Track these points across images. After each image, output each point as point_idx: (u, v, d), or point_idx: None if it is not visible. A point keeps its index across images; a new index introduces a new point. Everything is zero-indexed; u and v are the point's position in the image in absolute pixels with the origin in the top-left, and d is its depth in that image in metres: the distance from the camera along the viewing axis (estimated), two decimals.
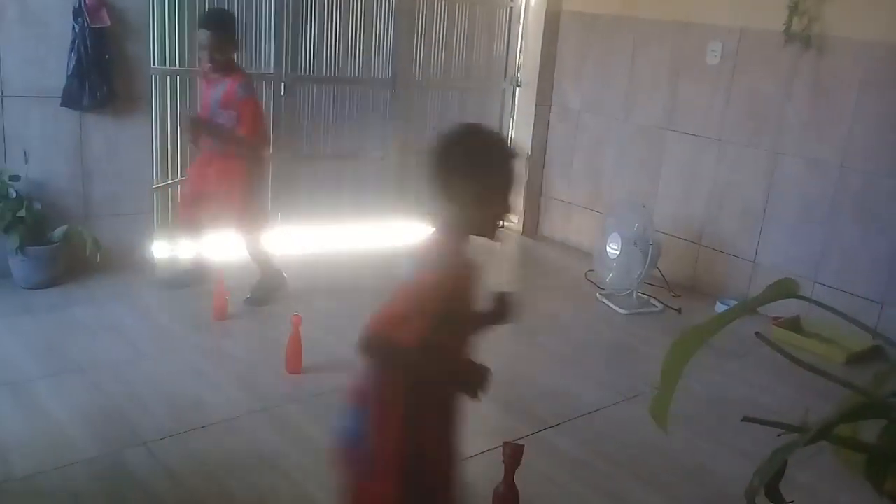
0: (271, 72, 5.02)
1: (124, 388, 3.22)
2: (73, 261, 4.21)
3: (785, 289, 1.31)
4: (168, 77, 4.66)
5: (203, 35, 3.85)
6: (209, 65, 3.90)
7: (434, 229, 1.91)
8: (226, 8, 4.69)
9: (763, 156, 4.66)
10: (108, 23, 4.10)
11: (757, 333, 1.67)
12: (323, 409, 3.20)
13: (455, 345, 1.98)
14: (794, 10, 4.35)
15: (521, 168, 1.66)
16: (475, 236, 1.87)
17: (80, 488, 2.57)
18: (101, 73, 4.11)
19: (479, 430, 3.30)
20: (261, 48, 4.98)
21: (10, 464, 2.65)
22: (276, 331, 3.69)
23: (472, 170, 1.77)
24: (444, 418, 2.00)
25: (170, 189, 4.83)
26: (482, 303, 2.02)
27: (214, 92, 3.94)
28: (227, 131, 3.92)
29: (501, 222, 1.88)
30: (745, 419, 1.39)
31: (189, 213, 4.22)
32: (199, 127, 4.01)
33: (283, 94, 5.08)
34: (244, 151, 3.97)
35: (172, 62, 4.65)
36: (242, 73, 4.06)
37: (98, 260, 4.17)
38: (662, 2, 5.04)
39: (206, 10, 4.45)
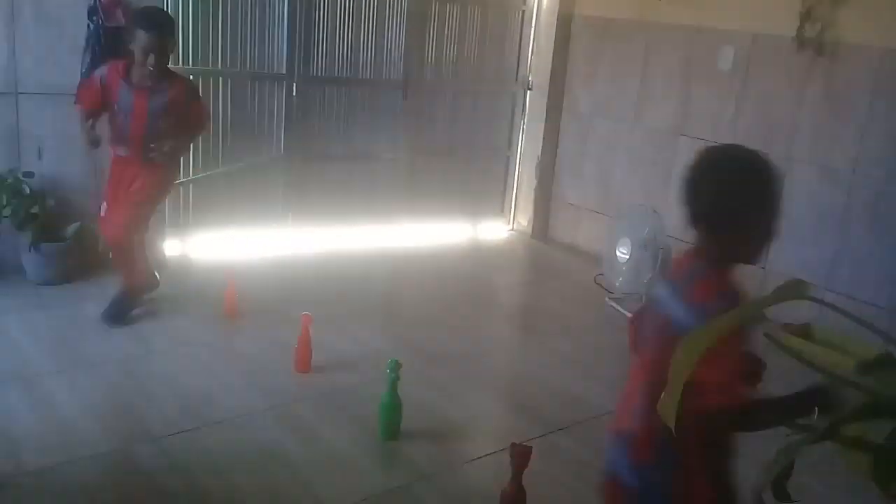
0: (283, 72, 5.04)
1: (135, 384, 3.24)
2: (85, 258, 4.24)
3: (795, 289, 1.31)
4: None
5: (145, 38, 3.48)
6: (150, 71, 3.54)
7: (694, 257, 1.79)
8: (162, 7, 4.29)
9: (774, 162, 4.64)
10: (123, 22, 4.12)
11: (765, 334, 1.67)
12: (331, 408, 3.22)
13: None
14: (806, 16, 4.34)
15: (783, 188, 1.65)
16: (740, 264, 1.77)
17: (90, 482, 2.59)
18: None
19: (487, 431, 3.31)
20: (273, 49, 5.00)
21: (22, 457, 2.68)
22: (286, 330, 3.71)
23: (742, 195, 1.70)
24: (732, 458, 1.90)
25: (181, 188, 4.86)
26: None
27: (154, 101, 3.62)
28: (182, 136, 3.82)
29: (766, 246, 1.77)
30: None
31: (121, 235, 3.76)
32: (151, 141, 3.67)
33: (294, 94, 5.10)
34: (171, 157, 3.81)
35: (186, 61, 4.67)
36: (185, 79, 3.86)
37: (110, 257, 4.19)
38: (675, 7, 5.04)
39: (144, 8, 3.86)
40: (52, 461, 2.67)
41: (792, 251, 4.61)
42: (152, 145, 3.64)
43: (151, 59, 3.49)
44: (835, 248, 4.43)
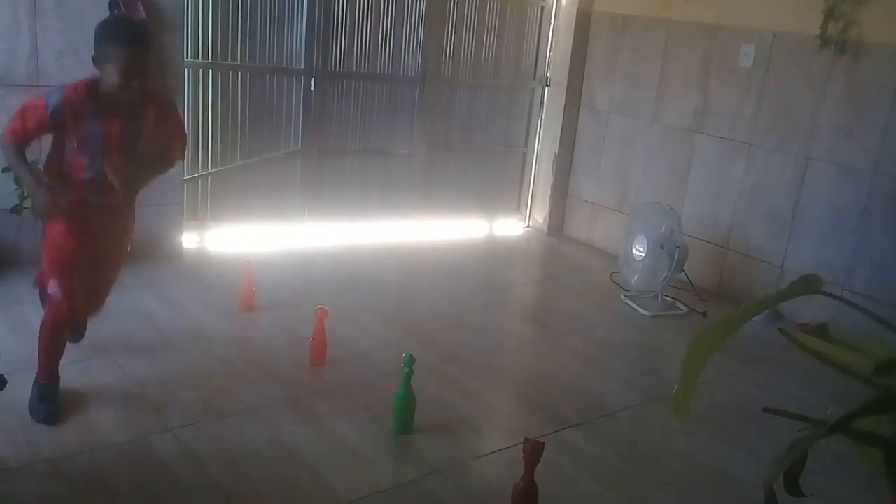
0: (301, 67, 5.06)
1: (152, 375, 3.27)
2: None
3: (810, 284, 1.31)
4: (200, 70, 4.72)
5: (122, 53, 2.71)
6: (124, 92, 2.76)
7: None
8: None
9: (794, 161, 4.62)
10: (144, 15, 4.16)
11: (780, 329, 1.66)
12: (345, 401, 3.23)
13: None
14: (829, 14, 4.30)
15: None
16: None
17: (106, 472, 2.61)
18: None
19: (500, 426, 3.32)
20: (291, 43, 5.02)
21: (39, 446, 2.71)
22: (302, 323, 3.73)
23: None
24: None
25: (199, 181, 4.89)
26: None
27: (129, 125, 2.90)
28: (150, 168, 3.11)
29: None
30: (766, 410, 1.39)
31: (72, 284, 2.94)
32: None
33: (312, 89, 5.11)
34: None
35: (205, 55, 4.70)
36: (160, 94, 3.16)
37: (128, 249, 4.22)
38: (695, 4, 5.00)
39: (113, 19, 3.44)
40: (68, 449, 2.70)
41: (810, 250, 4.58)
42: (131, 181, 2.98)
43: (128, 79, 2.72)
44: (853, 247, 4.39)
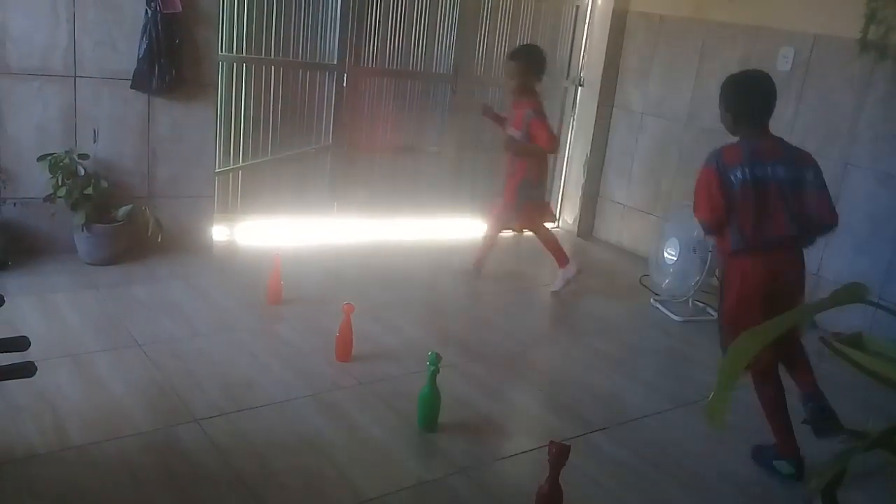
0: (335, 63, 5.06)
1: (179, 366, 3.29)
2: (136, 239, 4.31)
3: (854, 293, 1.26)
4: (235, 64, 4.74)
5: None
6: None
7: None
8: None
9: (831, 166, 4.52)
10: (180, 9, 4.18)
11: (821, 339, 1.62)
12: (371, 397, 3.22)
13: None
14: (871, 18, 4.21)
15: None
16: None
17: (132, 460, 2.63)
18: (170, 58, 4.20)
19: (525, 427, 3.29)
20: (325, 39, 5.03)
21: (68, 432, 2.73)
22: (328, 318, 3.72)
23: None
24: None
25: (230, 174, 4.92)
26: None
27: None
28: None
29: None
30: (805, 422, 1.35)
31: None
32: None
33: (344, 85, 5.12)
34: None
35: (240, 49, 4.72)
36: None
37: (159, 240, 4.27)
38: (734, 5, 4.93)
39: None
40: (96, 437, 2.72)
41: (846, 258, 4.49)
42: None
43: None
44: (891, 256, 4.29)
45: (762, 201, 2.91)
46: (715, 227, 3.00)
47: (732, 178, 2.94)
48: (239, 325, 3.76)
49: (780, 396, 2.98)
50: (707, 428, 3.23)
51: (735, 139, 3.10)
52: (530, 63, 4.45)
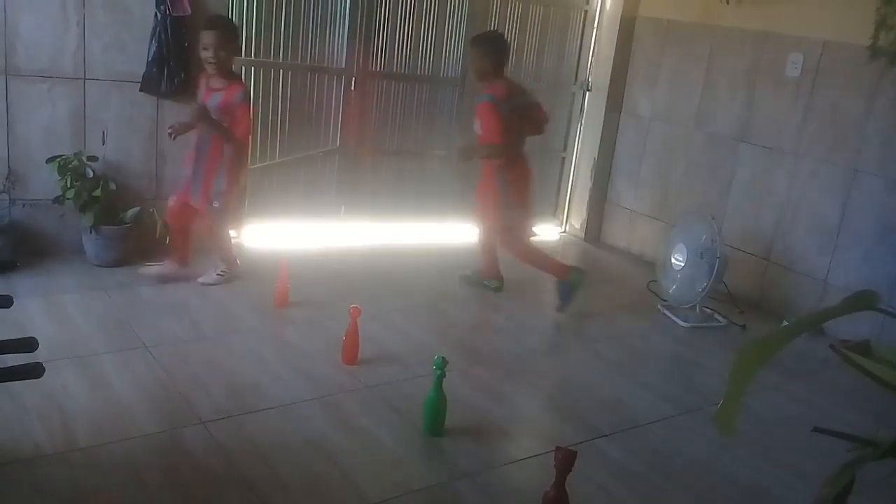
0: (342, 66, 5.07)
1: (186, 368, 3.29)
2: (143, 241, 4.32)
3: (865, 301, 1.25)
4: (243, 67, 4.75)
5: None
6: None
7: None
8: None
9: (840, 173, 4.51)
10: (189, 12, 4.20)
11: (832, 346, 1.61)
12: (376, 401, 3.22)
13: None
14: (881, 24, 4.19)
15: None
16: None
17: (138, 462, 2.63)
18: (179, 61, 4.21)
19: (531, 432, 3.28)
20: (333, 43, 5.04)
21: (74, 433, 2.73)
22: (335, 321, 3.72)
23: None
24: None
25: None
26: None
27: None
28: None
29: None
30: (816, 429, 1.34)
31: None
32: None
33: (352, 88, 5.12)
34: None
35: (248, 53, 4.73)
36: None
37: (167, 242, 4.27)
38: (743, 11, 4.92)
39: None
40: (102, 438, 2.72)
41: (854, 265, 4.47)
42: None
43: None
44: None
45: (519, 121, 4.24)
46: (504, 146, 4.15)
47: (503, 109, 4.15)
48: (245, 328, 3.77)
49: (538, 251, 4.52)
50: (715, 434, 3.22)
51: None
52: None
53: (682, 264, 4.53)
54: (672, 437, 3.26)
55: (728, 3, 4.91)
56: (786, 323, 4.52)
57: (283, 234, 5.09)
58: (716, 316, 4.63)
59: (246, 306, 4.00)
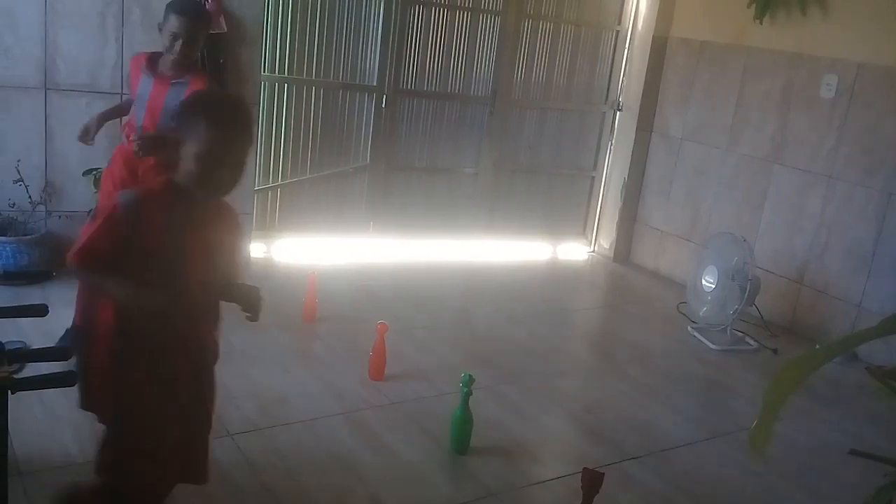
0: (374, 84, 5.11)
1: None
2: None
3: None
4: (276, 84, 4.81)
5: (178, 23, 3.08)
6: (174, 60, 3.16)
7: None
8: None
9: (875, 196, 4.44)
10: (225, 29, 4.26)
11: (868, 369, 1.58)
12: (403, 418, 3.21)
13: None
14: None
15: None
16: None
17: None
18: (214, 77, 4.26)
19: (558, 453, 3.25)
20: (365, 60, 5.08)
21: None
22: (362, 337, 3.73)
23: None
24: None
25: (269, 192, 4.97)
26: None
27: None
28: None
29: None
30: (853, 452, 1.31)
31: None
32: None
33: (383, 106, 5.16)
34: None
35: (282, 70, 4.79)
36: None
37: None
38: (776, 32, 4.89)
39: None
40: None
41: (889, 290, 4.39)
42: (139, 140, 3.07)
43: (178, 46, 3.09)
44: None
45: None
46: None
47: None
48: (274, 342, 3.78)
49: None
50: (744, 459, 3.17)
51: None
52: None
53: (713, 286, 4.48)
54: (701, 461, 3.21)
55: (762, 23, 4.88)
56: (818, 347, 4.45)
57: (312, 250, 5.12)
58: (747, 339, 4.56)
59: (275, 320, 4.01)
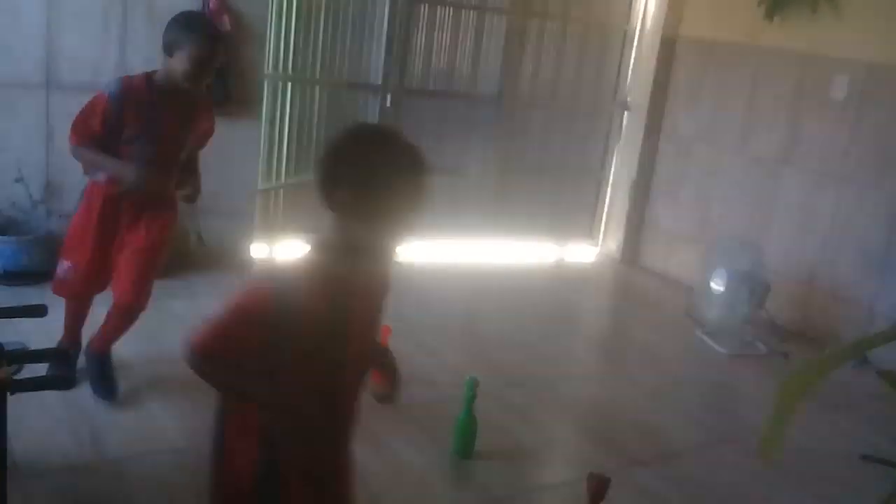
0: (378, 83, 5.07)
1: None
2: (175, 255, 4.32)
3: None
4: (280, 83, 4.77)
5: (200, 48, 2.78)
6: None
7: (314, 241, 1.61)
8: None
9: (887, 198, 4.38)
10: (229, 27, 4.23)
11: (880, 373, 1.53)
12: (406, 421, 3.16)
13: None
14: None
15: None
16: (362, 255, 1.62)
17: (165, 476, 2.61)
18: (217, 75, 4.21)
19: (563, 458, 3.20)
20: (369, 59, 5.05)
21: (104, 445, 2.73)
22: None
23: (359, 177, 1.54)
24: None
25: (272, 193, 4.93)
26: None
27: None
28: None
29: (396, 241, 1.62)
30: (864, 457, 1.26)
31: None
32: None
33: (388, 105, 5.12)
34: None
35: (285, 68, 4.75)
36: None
37: (200, 255, 4.28)
38: (786, 32, 4.82)
39: (194, 14, 3.30)
40: (132, 451, 2.71)
41: None
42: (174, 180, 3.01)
43: (200, 72, 2.81)
44: None
45: None
46: None
47: None
48: None
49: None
50: (754, 464, 3.11)
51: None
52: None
53: (722, 289, 4.42)
54: (709, 467, 3.16)
55: (772, 20, 4.82)
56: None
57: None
58: (757, 343, 4.50)
59: None
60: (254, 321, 1.56)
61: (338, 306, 1.55)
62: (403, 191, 1.59)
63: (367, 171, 1.55)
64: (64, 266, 3.03)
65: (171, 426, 2.90)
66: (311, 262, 1.58)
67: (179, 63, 2.79)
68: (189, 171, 3.10)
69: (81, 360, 3.14)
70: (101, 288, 3.11)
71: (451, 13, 5.20)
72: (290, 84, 4.81)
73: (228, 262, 4.53)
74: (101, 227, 2.95)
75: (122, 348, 3.46)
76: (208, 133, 3.14)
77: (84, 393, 2.94)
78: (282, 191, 4.96)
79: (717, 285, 4.46)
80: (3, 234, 4.01)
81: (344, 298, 1.56)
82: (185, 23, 2.84)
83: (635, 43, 5.77)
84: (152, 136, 2.89)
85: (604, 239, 6.09)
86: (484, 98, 5.48)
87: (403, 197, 1.59)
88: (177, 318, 3.87)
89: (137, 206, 2.97)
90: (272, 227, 4.97)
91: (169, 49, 2.82)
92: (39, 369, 2.28)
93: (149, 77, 2.92)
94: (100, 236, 2.96)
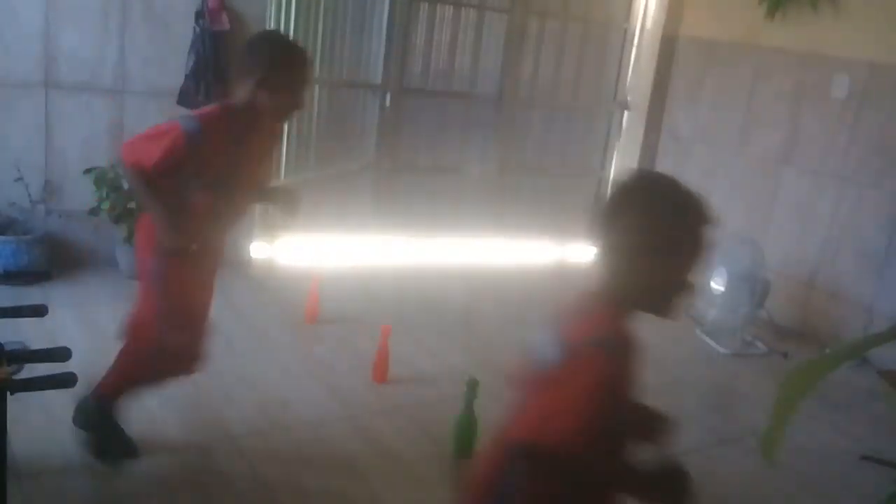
0: (378, 82, 5.07)
1: (216, 383, 3.26)
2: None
3: None
4: None
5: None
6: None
7: (587, 297, 1.57)
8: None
9: (888, 198, 4.37)
10: (228, 27, 4.22)
11: (881, 373, 1.52)
12: (406, 421, 3.16)
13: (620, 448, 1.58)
14: None
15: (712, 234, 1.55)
16: (641, 311, 1.58)
17: (166, 475, 2.61)
18: (216, 75, 4.22)
19: None
20: (369, 58, 5.04)
21: None
22: (366, 339, 3.68)
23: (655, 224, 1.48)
24: None
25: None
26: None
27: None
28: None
29: (679, 295, 1.54)
30: (864, 458, 1.26)
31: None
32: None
33: (388, 104, 5.11)
34: None
35: None
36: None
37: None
38: (787, 31, 4.82)
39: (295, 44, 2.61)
40: None
41: None
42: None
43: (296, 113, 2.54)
44: None
45: None
46: None
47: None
48: (276, 344, 3.74)
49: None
50: (754, 464, 3.11)
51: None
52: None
53: (722, 289, 4.41)
54: (708, 467, 3.14)
55: (773, 19, 4.81)
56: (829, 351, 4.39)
57: (314, 251, 5.07)
58: (756, 343, 4.50)
59: (277, 322, 3.98)
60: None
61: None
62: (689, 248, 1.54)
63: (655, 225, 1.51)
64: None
65: (170, 425, 2.90)
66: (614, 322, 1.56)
67: (277, 100, 2.40)
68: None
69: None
70: None
71: (450, 12, 5.20)
72: None
73: (227, 261, 4.51)
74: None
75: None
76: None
77: (84, 392, 2.92)
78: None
79: (717, 285, 4.46)
80: (3, 234, 4.01)
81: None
82: (294, 58, 2.44)
83: (635, 42, 5.76)
84: (232, 180, 2.47)
85: None
86: (484, 97, 5.48)
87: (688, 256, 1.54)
88: None
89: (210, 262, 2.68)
90: (272, 226, 4.96)
91: (266, 83, 2.37)
92: (39, 369, 2.27)
93: (226, 111, 2.45)
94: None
